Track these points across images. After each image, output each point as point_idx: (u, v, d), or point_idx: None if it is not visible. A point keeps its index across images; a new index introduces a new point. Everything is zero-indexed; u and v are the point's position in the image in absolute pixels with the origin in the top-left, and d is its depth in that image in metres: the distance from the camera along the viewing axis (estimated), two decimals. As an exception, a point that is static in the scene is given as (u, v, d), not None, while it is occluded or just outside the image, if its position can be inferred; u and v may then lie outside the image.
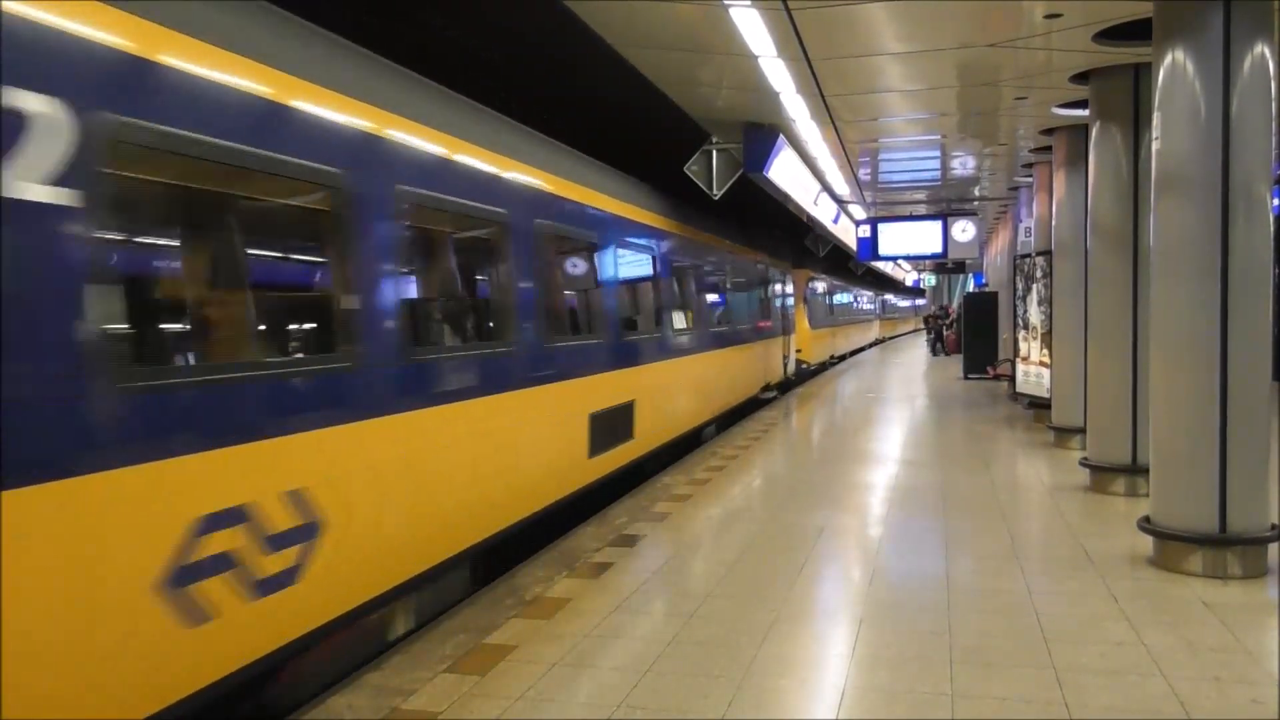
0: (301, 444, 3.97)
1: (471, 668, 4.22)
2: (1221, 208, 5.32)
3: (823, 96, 8.47)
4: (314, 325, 4.97)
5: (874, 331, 40.55)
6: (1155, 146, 5.64)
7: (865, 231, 16.51)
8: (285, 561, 3.83)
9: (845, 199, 16.27)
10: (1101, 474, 7.79)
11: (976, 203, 17.88)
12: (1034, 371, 12.19)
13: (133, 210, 3.66)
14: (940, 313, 35.98)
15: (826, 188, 14.29)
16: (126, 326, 3.38)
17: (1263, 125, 5.34)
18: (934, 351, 30.07)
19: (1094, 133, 7.83)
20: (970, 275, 31.22)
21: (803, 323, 21.25)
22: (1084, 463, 8.02)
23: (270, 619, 3.78)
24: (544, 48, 9.87)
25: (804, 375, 20.69)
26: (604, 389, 7.82)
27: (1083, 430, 8.95)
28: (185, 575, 3.31)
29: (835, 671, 4.15)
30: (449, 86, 5.88)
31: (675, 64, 7.65)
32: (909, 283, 54.42)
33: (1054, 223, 10.24)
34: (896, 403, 15.87)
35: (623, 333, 8.47)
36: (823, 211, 14.55)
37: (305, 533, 3.95)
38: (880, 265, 32.09)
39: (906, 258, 18.36)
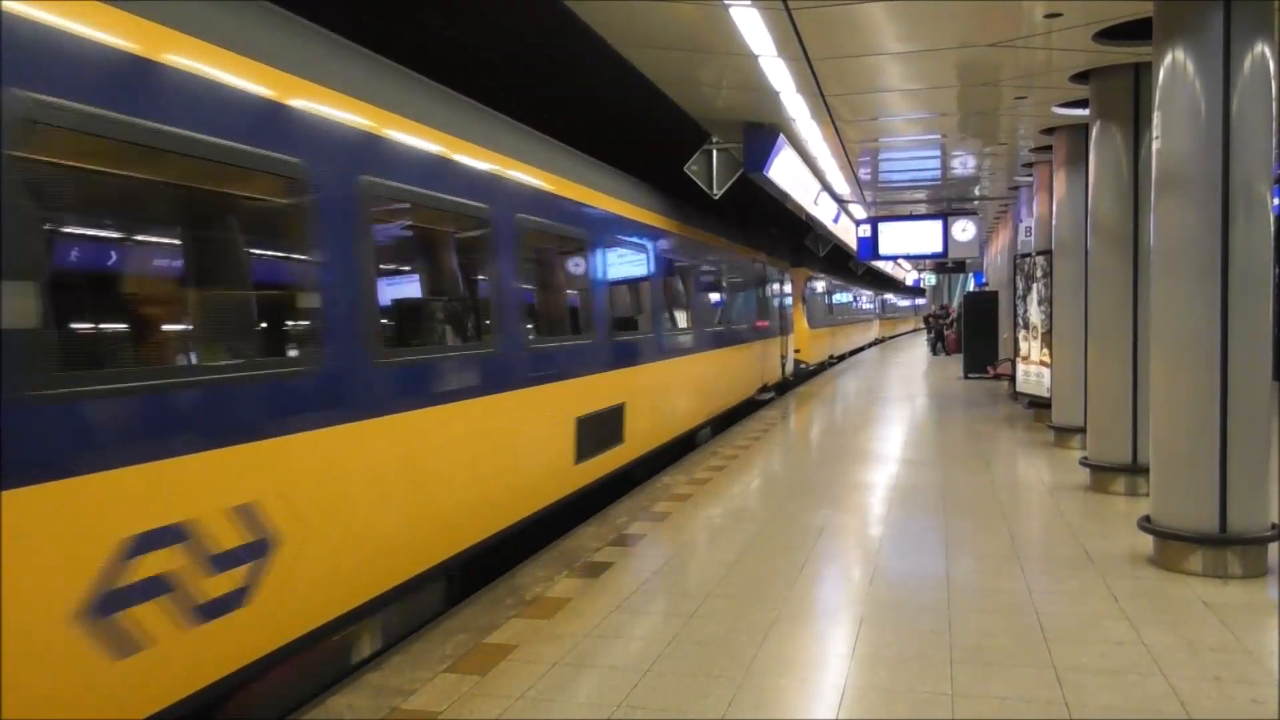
0: (250, 455, 3.70)
1: (471, 667, 4.23)
2: (1222, 207, 5.33)
3: (823, 96, 8.47)
4: (265, 326, 4.52)
5: (874, 331, 40.55)
6: (1155, 146, 5.64)
7: (865, 231, 16.51)
8: (232, 583, 3.58)
9: (845, 198, 16.28)
10: (1102, 473, 7.79)
11: (977, 202, 17.89)
12: (1034, 371, 12.19)
13: (48, 198, 3.29)
14: (940, 312, 35.97)
15: (827, 187, 14.29)
16: (40, 326, 2.91)
17: (1263, 125, 5.35)
18: (934, 351, 30.07)
19: (1094, 132, 7.83)
20: (970, 275, 31.22)
21: (801, 322, 21.22)
22: (1084, 462, 8.02)
23: (214, 645, 3.53)
24: (544, 48, 9.88)
25: (803, 375, 20.68)
26: (592, 391, 7.59)
27: (1083, 430, 8.95)
28: (112, 601, 3.04)
29: (835, 671, 4.15)
30: (449, 87, 5.83)
31: (675, 64, 7.65)
32: (909, 282, 54.43)
33: (1054, 222, 10.25)
34: (896, 402, 15.87)
35: (613, 333, 8.26)
36: (823, 211, 14.54)
37: (254, 550, 3.69)
38: (880, 264, 32.10)
39: (907, 257, 18.35)
